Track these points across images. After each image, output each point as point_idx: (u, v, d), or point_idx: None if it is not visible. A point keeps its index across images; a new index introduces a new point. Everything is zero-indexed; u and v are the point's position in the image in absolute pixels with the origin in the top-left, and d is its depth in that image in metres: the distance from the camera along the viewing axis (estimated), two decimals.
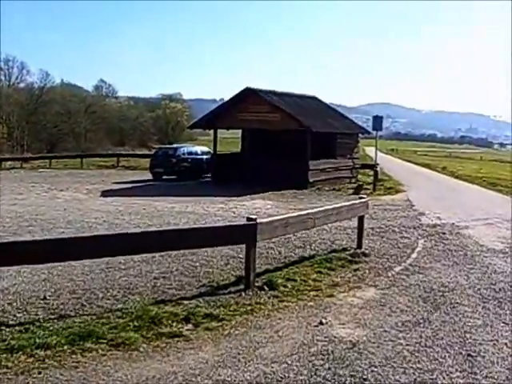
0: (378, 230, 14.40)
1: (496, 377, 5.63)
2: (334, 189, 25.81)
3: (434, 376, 5.60)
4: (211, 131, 30.66)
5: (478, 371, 5.72)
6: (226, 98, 29.64)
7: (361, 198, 12.29)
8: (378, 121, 30.75)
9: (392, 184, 28.38)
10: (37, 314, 7.27)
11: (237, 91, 27.98)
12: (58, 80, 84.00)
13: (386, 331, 6.81)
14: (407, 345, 6.37)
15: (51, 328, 6.66)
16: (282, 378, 5.48)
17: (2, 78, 77.00)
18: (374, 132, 31.51)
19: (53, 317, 7.16)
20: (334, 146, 28.80)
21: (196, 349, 6.17)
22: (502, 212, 18.18)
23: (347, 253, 11.17)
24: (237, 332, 6.69)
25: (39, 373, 5.51)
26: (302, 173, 25.72)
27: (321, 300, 8.08)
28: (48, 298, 8.06)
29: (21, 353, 5.90)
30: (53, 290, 8.46)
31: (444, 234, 14.12)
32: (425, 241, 13.14)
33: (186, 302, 7.77)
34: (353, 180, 29.56)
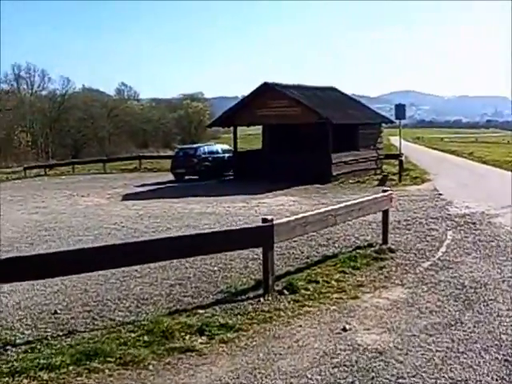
0: (404, 222, 13.85)
1: None
2: (358, 181, 25.20)
3: None
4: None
5: None
6: None
7: (384, 190, 11.73)
8: (400, 109, 29.97)
9: (418, 173, 27.66)
10: (46, 331, 6.94)
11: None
12: (80, 86, 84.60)
13: (414, 335, 6.30)
14: (438, 351, 5.86)
15: (58, 346, 6.31)
16: None
17: (25, 86, 77.76)
18: (397, 121, 30.79)
19: (61, 333, 6.82)
20: (356, 137, 28.13)
21: (209, 364, 5.75)
22: None
23: (372, 249, 10.65)
24: (254, 343, 6.25)
25: None
26: (324, 166, 25.16)
27: (344, 303, 7.59)
28: (59, 312, 7.76)
29: (24, 376, 5.55)
30: (65, 304, 8.16)
31: (474, 223, 13.50)
32: (453, 232, 12.54)
33: (201, 311, 7.36)
34: (377, 171, 28.87)
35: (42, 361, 5.81)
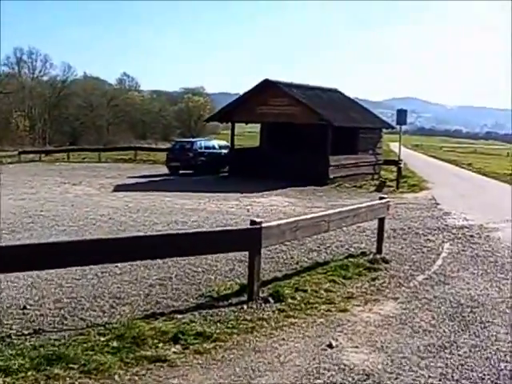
0: (400, 231, 13.39)
1: None
2: (355, 186, 24.74)
3: None
4: (236, 124, 29.65)
5: None
6: None
7: (381, 197, 11.26)
8: (402, 114, 29.57)
9: (416, 181, 27.22)
10: (11, 328, 6.43)
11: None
12: (81, 73, 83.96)
13: (406, 357, 5.81)
14: (430, 376, 5.37)
15: (21, 346, 5.81)
16: None
17: (26, 71, 77.12)
18: (398, 127, 30.35)
19: (27, 332, 6.32)
20: (355, 140, 27.65)
21: (180, 377, 5.25)
22: None
23: (365, 258, 10.18)
24: (231, 356, 5.75)
25: None
26: (322, 168, 24.66)
27: (333, 316, 7.09)
28: (28, 307, 7.25)
29: None
30: (36, 298, 7.66)
31: (472, 236, 13.04)
32: (451, 244, 12.08)
33: (179, 315, 6.87)
34: (375, 176, 28.39)
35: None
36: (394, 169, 27.99)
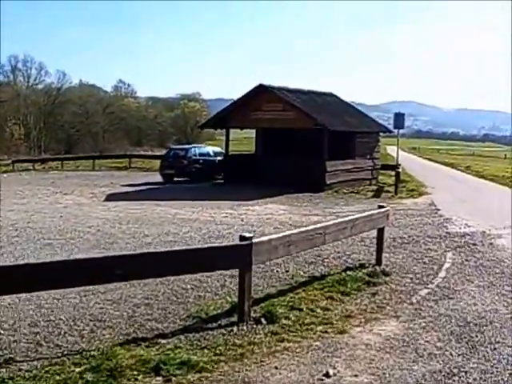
0: (399, 240, 12.86)
1: None
2: (352, 191, 24.20)
3: None
4: (231, 130, 29.12)
5: None
6: None
7: (380, 206, 10.73)
8: (399, 118, 29.06)
9: (415, 185, 26.70)
10: None
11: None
12: (77, 80, 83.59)
13: None
14: None
15: None
16: None
17: (21, 79, 76.67)
18: (396, 130, 29.84)
19: None
20: (352, 145, 27.12)
21: None
22: None
23: (364, 271, 9.62)
24: None
25: None
26: (318, 174, 24.10)
27: (330, 338, 6.54)
28: (2, 332, 6.71)
29: None
30: (12, 322, 7.10)
31: (475, 245, 12.51)
32: (453, 254, 11.55)
33: (163, 340, 6.33)
34: (373, 181, 27.86)
35: None
36: (392, 173, 27.46)
